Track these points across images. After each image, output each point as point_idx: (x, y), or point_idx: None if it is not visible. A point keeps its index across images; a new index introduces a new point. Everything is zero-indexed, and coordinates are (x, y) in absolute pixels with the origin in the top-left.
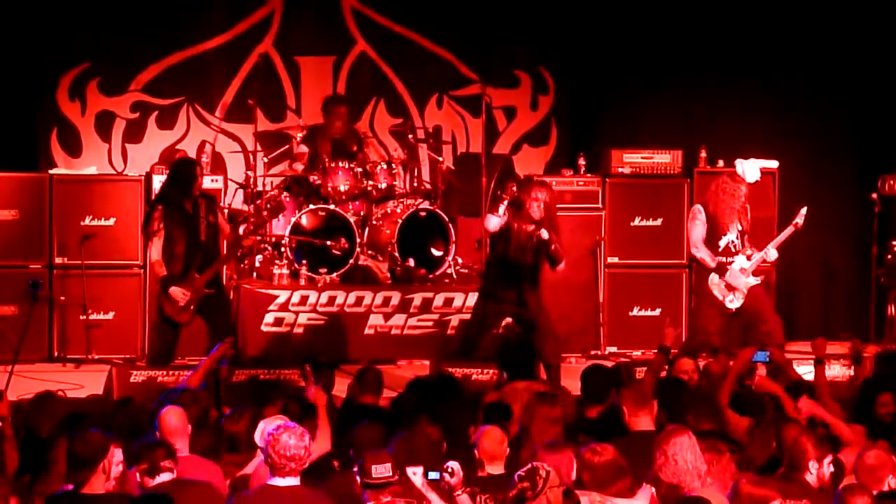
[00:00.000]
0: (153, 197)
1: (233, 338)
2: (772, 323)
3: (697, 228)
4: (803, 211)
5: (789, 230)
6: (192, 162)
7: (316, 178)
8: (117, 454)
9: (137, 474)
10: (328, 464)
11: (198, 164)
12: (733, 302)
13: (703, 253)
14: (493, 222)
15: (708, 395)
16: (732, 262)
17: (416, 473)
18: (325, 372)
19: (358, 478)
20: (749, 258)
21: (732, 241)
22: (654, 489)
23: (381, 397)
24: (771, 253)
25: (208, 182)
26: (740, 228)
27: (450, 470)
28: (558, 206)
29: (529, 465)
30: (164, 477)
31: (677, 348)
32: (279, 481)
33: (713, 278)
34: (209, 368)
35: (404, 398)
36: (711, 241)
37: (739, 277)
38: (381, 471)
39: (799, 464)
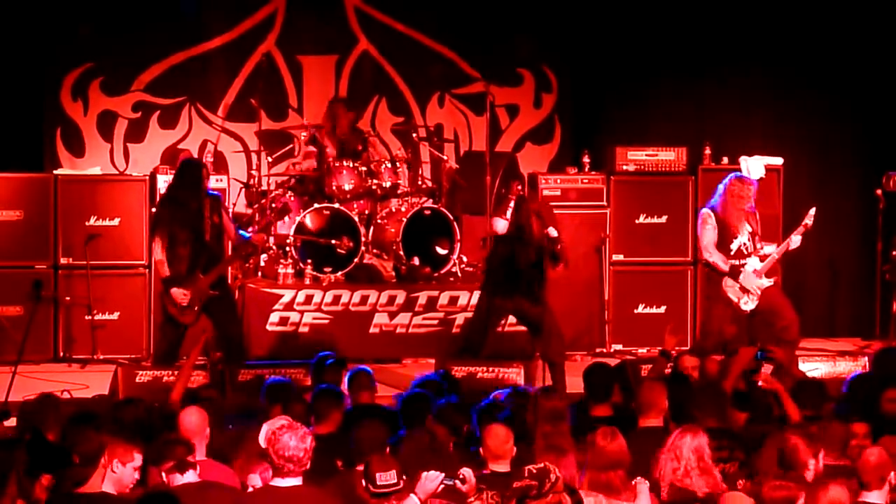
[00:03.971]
0: (158, 197)
1: (209, 333)
2: (788, 319)
3: (708, 233)
4: (812, 212)
5: (799, 230)
6: (199, 163)
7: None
8: (137, 459)
9: (162, 473)
10: (332, 463)
11: (204, 165)
12: (748, 304)
13: (715, 257)
14: (501, 225)
15: (713, 392)
16: (745, 264)
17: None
18: (333, 368)
19: (363, 481)
20: (762, 259)
21: (744, 244)
22: (648, 484)
23: (385, 395)
24: (794, 240)
25: (212, 182)
26: (751, 230)
27: (462, 477)
28: (563, 203)
29: (543, 465)
30: (190, 476)
31: (678, 352)
32: (280, 482)
33: (727, 280)
34: (193, 364)
35: (410, 397)
36: (723, 244)
37: (753, 279)
38: (387, 478)
39: (794, 462)
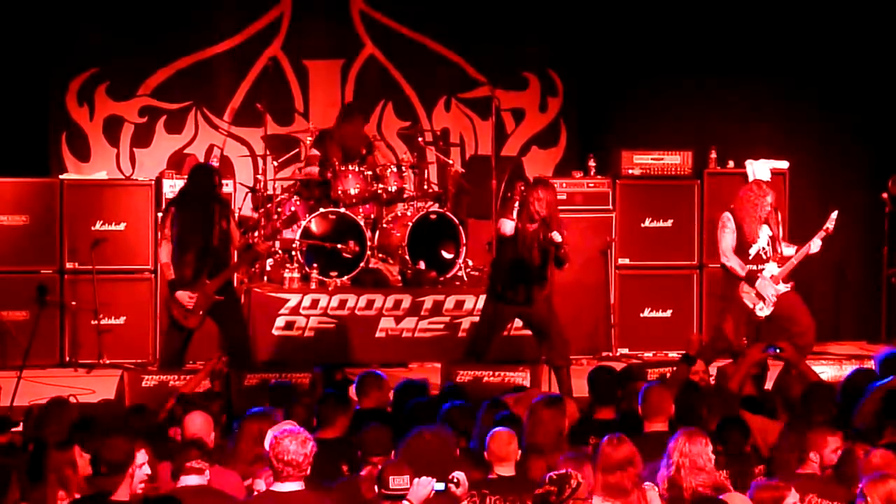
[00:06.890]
0: (164, 201)
1: (221, 353)
2: (804, 325)
3: (727, 237)
4: (834, 215)
5: (820, 235)
6: (211, 168)
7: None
8: (140, 456)
9: (171, 473)
10: (337, 468)
11: (217, 173)
12: (763, 310)
13: (733, 262)
14: (508, 226)
15: (720, 396)
16: (763, 269)
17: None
18: (340, 379)
19: (375, 487)
20: (780, 263)
21: (763, 249)
22: (657, 489)
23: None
24: (815, 244)
25: None
26: (771, 234)
27: (455, 480)
28: (569, 207)
29: (564, 471)
30: (193, 480)
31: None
32: (280, 486)
33: (744, 286)
34: (199, 382)
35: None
36: (742, 249)
37: (769, 286)
38: (400, 482)
39: (851, 477)
